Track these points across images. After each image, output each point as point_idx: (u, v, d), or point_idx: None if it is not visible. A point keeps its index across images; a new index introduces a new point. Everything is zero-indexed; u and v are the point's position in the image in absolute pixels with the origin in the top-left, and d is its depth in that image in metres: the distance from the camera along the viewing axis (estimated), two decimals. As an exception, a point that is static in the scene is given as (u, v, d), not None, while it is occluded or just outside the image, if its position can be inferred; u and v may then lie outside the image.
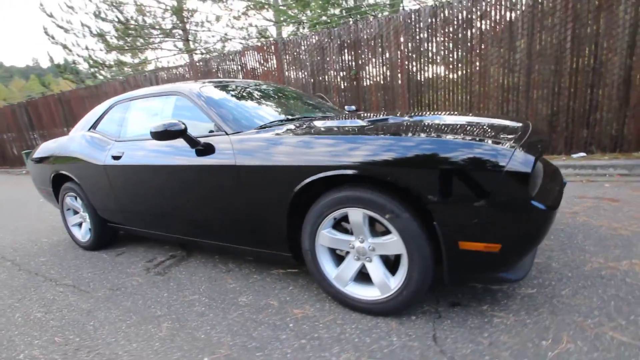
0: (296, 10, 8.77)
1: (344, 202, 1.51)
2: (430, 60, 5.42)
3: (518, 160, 1.20)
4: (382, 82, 5.89)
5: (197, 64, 8.15)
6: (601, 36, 4.31)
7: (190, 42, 12.22)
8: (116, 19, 11.01)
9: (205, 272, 2.30)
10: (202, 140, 1.93)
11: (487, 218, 1.25)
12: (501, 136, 1.38)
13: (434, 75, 5.46)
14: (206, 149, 1.90)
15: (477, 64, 5.10)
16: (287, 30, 11.19)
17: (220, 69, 7.80)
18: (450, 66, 5.28)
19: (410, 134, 1.40)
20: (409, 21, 5.41)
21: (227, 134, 1.88)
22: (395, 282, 1.50)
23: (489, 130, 1.48)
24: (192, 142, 1.92)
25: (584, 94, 4.54)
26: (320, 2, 7.80)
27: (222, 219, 1.96)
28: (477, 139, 1.31)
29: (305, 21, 8.58)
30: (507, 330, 1.41)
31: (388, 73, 5.81)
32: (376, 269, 1.56)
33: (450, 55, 5.22)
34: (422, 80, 5.55)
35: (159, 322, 1.77)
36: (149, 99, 2.41)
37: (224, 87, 2.30)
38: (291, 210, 1.67)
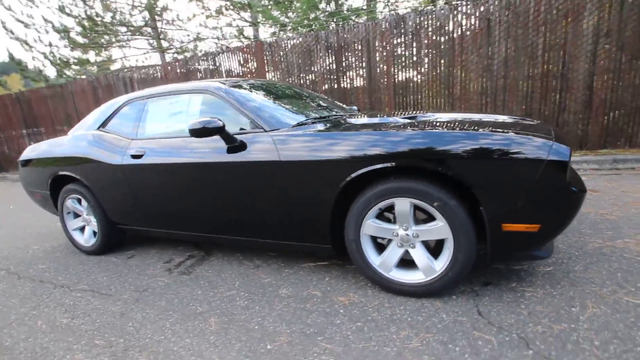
0: (278, 12, 8.80)
1: (392, 192, 1.63)
2: (414, 64, 5.70)
3: (558, 151, 1.38)
4: (367, 84, 6.10)
5: (175, 63, 7.92)
6: (568, 45, 4.80)
7: (163, 41, 11.79)
8: (81, 15, 10.39)
9: (233, 269, 2.32)
10: (238, 137, 1.96)
11: (529, 202, 1.43)
12: (536, 131, 1.56)
13: (418, 78, 5.75)
14: (241, 146, 1.94)
15: (458, 68, 5.45)
16: (266, 32, 11.17)
17: (200, 69, 7.65)
18: (433, 71, 5.59)
19: (457, 129, 1.55)
20: (394, 27, 5.66)
21: (265, 131, 1.93)
22: (440, 265, 1.64)
23: (521, 126, 1.67)
24: (229, 139, 1.94)
25: (553, 97, 5.02)
26: (304, 6, 7.89)
27: (260, 215, 2.00)
28: (521, 133, 1.48)
29: (288, 23, 8.63)
30: (540, 302, 1.60)
31: (374, 75, 6.02)
32: (420, 254, 1.69)
33: (433, 60, 5.54)
34: (407, 82, 5.82)
35: (204, 317, 1.78)
36: (170, 97, 2.38)
37: (248, 86, 2.33)
38: (336, 202, 1.76)
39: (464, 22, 5.22)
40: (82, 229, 2.97)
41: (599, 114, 4.79)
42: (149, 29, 12.36)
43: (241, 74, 7.27)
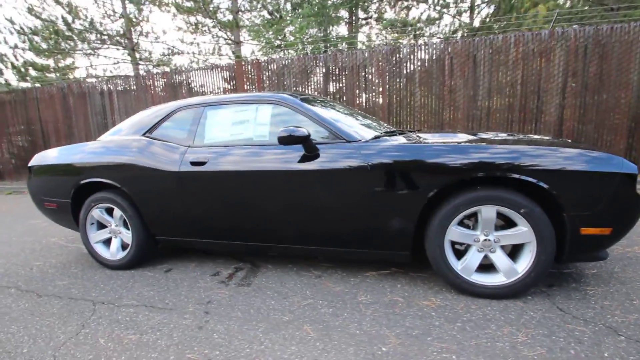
0: (271, 33, 9.01)
1: (480, 200, 1.79)
2: (408, 89, 6.14)
3: (629, 165, 1.65)
4: (364, 104, 6.42)
5: (157, 76, 7.68)
6: (542, 81, 5.52)
7: (137, 52, 11.37)
8: (49, 18, 9.73)
9: (294, 279, 2.30)
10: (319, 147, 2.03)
11: (604, 208, 1.67)
12: (596, 149, 1.83)
13: (411, 101, 6.19)
14: (316, 156, 2.01)
15: (448, 94, 5.98)
16: (250, 50, 11.23)
17: (186, 83, 7.48)
18: (426, 96, 6.07)
19: (539, 145, 1.77)
20: (390, 55, 6.10)
21: (348, 141, 2.03)
22: (521, 267, 1.81)
23: (580, 144, 1.94)
24: (311, 148, 2.00)
25: (530, 125, 5.68)
26: (299, 30, 8.18)
27: (336, 223, 2.05)
28: (595, 150, 1.74)
29: (281, 45, 8.86)
30: (604, 298, 1.83)
31: (371, 97, 6.37)
32: (501, 258, 1.85)
33: (426, 86, 6.02)
34: (401, 105, 6.23)
35: (295, 326, 1.76)
36: (233, 106, 2.38)
37: (313, 100, 2.42)
38: (422, 210, 1.88)
39: (455, 54, 5.79)
40: (106, 242, 2.74)
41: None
42: (120, 38, 11.88)
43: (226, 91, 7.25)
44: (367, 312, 1.85)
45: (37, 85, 10.52)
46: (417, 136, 2.15)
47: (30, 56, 11.37)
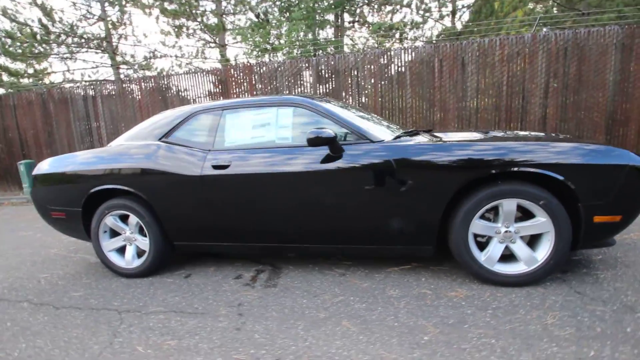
0: (258, 37, 8.99)
1: (502, 194, 1.90)
2: (399, 91, 6.31)
3: (636, 158, 1.81)
4: (358, 105, 6.54)
5: (146, 79, 7.52)
6: (526, 82, 5.81)
7: (120, 56, 11.06)
8: (24, 21, 9.33)
9: (319, 278, 2.34)
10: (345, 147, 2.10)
11: (615, 198, 1.82)
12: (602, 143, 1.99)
13: (402, 103, 6.36)
14: (339, 156, 2.07)
15: (438, 95, 6.18)
16: (235, 53, 11.13)
17: (174, 87, 7.37)
18: (416, 97, 6.25)
19: (558, 142, 1.90)
20: (381, 58, 6.26)
21: (372, 142, 2.10)
22: (541, 255, 1.94)
23: (587, 140, 2.09)
24: (337, 149, 2.07)
25: (516, 123, 5.96)
26: (287, 36, 8.21)
27: (365, 221, 2.11)
28: (603, 144, 1.89)
29: (268, 48, 8.86)
30: (615, 280, 1.98)
31: (363, 99, 6.50)
32: (522, 248, 1.97)
33: (416, 87, 6.21)
34: (392, 106, 6.39)
35: (334, 322, 1.81)
36: (252, 109, 2.40)
37: (330, 103, 2.48)
38: (448, 204, 1.98)
39: (445, 57, 6.00)
40: (119, 250, 2.69)
41: (551, 139, 5.81)
42: (100, 42, 11.53)
43: (212, 95, 7.19)
44: (399, 305, 1.92)
45: (11, 91, 10.03)
46: (435, 135, 2.25)
47: (1, 61, 10.84)
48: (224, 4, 10.55)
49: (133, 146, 2.55)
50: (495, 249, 2.00)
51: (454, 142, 1.99)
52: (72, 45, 11.10)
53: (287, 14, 8.51)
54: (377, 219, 2.10)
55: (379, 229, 2.13)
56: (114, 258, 2.66)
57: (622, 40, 5.32)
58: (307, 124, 2.27)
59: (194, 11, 9.04)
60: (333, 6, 8.59)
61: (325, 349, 1.60)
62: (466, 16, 8.27)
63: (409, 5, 10.25)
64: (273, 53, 8.90)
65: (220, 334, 1.79)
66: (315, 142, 1.98)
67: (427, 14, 9.51)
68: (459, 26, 8.94)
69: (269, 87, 6.89)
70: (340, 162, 2.08)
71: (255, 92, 6.96)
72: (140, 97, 7.53)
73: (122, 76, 11.64)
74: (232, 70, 7.06)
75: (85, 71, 12.53)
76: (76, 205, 2.65)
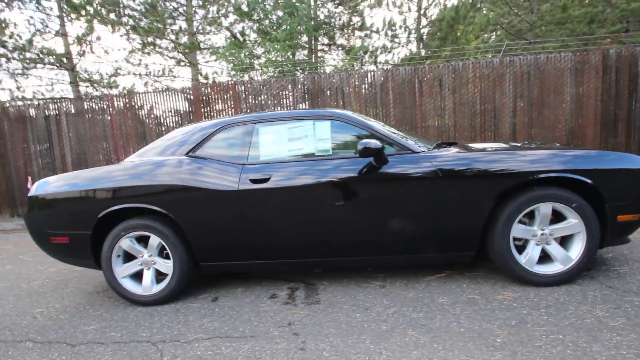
0: (235, 55, 8.93)
1: (540, 198, 2.05)
2: (383, 109, 6.59)
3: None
4: (343, 125, 6.69)
5: (118, 96, 7.13)
6: (497, 101, 6.37)
7: (85, 73, 10.38)
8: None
9: (358, 290, 2.31)
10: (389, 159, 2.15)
11: (635, 198, 2.04)
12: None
13: (387, 119, 6.63)
14: (379, 167, 2.13)
15: (419, 113, 6.55)
16: (206, 72, 10.95)
17: (147, 105, 7.06)
18: (399, 115, 6.56)
19: (580, 150, 2.11)
20: (366, 78, 6.53)
21: (415, 152, 2.17)
22: (574, 254, 2.09)
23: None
24: (383, 160, 2.11)
25: (490, 139, 6.46)
26: (272, 52, 8.28)
27: (411, 230, 2.15)
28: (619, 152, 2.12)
29: (249, 68, 8.80)
30: (633, 273, 2.20)
31: (349, 118, 6.67)
32: (556, 249, 2.12)
33: (398, 106, 6.53)
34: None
35: (399, 333, 1.79)
36: (286, 122, 2.37)
37: (360, 116, 2.53)
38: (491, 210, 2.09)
39: (424, 77, 6.41)
40: (135, 276, 2.45)
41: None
42: (58, 58, 10.76)
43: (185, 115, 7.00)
44: (455, 311, 1.95)
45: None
46: (465, 146, 2.39)
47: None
48: (196, 23, 10.44)
49: (155, 162, 2.39)
50: (534, 251, 2.13)
51: (494, 152, 2.13)
52: (26, 61, 10.24)
53: (269, 35, 8.65)
54: (423, 227, 2.15)
55: (425, 237, 2.17)
56: (129, 285, 2.42)
57: (575, 65, 6.08)
58: (345, 137, 2.30)
59: (167, 28, 8.81)
60: (312, 29, 8.88)
61: (406, 359, 1.57)
62: (435, 42, 8.99)
63: (378, 32, 10.92)
64: (253, 72, 8.89)
65: (284, 356, 1.69)
66: (364, 153, 2.02)
67: (396, 40, 10.19)
68: (424, 51, 9.66)
69: (254, 105, 6.85)
70: (387, 172, 2.12)
71: (240, 110, 6.86)
72: (111, 116, 7.08)
73: (84, 93, 10.91)
74: (211, 88, 6.93)
75: (40, 88, 11.54)
76: (84, 228, 2.39)
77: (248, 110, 6.93)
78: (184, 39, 10.13)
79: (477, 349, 1.60)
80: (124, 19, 8.64)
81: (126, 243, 2.38)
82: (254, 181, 2.22)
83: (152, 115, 7.10)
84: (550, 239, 2.12)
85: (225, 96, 6.89)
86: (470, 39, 9.18)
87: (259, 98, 6.80)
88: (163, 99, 7.10)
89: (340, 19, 10.07)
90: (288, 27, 8.28)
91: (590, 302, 1.90)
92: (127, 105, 7.14)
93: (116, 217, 2.43)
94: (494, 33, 9.97)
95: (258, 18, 9.06)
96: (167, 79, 12.29)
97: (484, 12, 9.25)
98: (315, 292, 2.38)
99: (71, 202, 2.42)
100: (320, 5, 9.65)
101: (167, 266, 2.38)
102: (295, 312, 2.13)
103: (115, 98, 7.12)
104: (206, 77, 10.44)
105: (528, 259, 2.12)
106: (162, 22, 8.56)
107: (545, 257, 2.17)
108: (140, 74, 12.49)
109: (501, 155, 2.10)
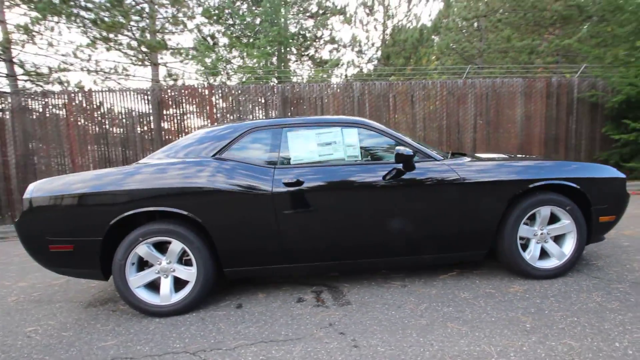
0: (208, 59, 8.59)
1: (541, 202, 2.36)
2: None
3: (621, 172, 2.49)
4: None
5: (80, 94, 6.53)
6: (460, 118, 7.01)
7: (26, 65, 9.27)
8: None
9: (382, 290, 2.42)
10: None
11: (612, 202, 2.45)
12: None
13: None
14: (403, 173, 2.31)
15: (392, 126, 6.94)
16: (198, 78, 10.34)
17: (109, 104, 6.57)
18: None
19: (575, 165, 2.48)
20: (345, 90, 6.79)
21: (437, 160, 2.38)
22: (567, 250, 2.43)
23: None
24: (412, 166, 2.28)
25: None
26: (254, 57, 8.12)
27: (434, 231, 2.33)
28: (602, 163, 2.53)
29: (229, 72, 8.50)
30: (608, 266, 2.60)
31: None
32: (553, 246, 2.45)
33: (374, 118, 6.88)
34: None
35: (439, 325, 1.93)
36: (315, 128, 2.43)
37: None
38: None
39: (397, 92, 6.84)
40: (150, 285, 2.30)
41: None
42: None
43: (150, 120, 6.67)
44: (480, 304, 2.15)
45: None
46: (475, 156, 2.66)
47: None
48: (161, 22, 9.95)
49: (180, 164, 2.29)
50: (535, 248, 2.44)
51: (505, 162, 2.42)
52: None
53: (241, 40, 8.53)
54: (449, 228, 2.34)
55: (448, 238, 2.36)
56: (144, 295, 2.25)
57: (524, 89, 6.97)
58: (372, 144, 2.44)
59: (132, 25, 8.24)
60: (287, 39, 8.98)
61: (457, 348, 1.71)
62: (400, 60, 9.68)
63: (345, 46, 11.40)
64: (222, 76, 8.66)
65: (340, 354, 1.73)
66: (399, 158, 2.16)
67: (362, 55, 10.78)
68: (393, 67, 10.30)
69: (233, 109, 6.71)
70: (416, 177, 2.28)
71: (216, 115, 6.67)
72: (70, 113, 6.43)
73: (21, 88, 9.73)
74: (185, 90, 6.67)
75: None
76: (94, 234, 2.20)
77: (227, 116, 6.77)
78: (147, 37, 9.59)
79: (513, 334, 1.80)
80: (84, 13, 7.94)
81: (143, 249, 2.23)
82: (287, 184, 2.24)
83: (116, 118, 6.59)
84: (547, 238, 2.45)
85: (198, 100, 6.66)
86: (431, 60, 10.06)
87: (235, 103, 6.68)
88: (129, 99, 6.65)
89: (310, 32, 10.33)
90: (269, 35, 8.30)
91: (586, 290, 2.23)
92: (85, 103, 6.55)
93: (127, 223, 2.28)
94: (449, 56, 11.00)
95: (232, 23, 8.92)
96: (121, 77, 11.50)
97: (443, 37, 10.21)
98: (341, 294, 2.44)
99: (78, 206, 2.21)
100: (292, 17, 9.82)
101: (188, 273, 2.27)
102: (330, 313, 2.17)
103: (75, 95, 6.49)
104: (175, 79, 9.93)
105: (531, 255, 2.42)
106: (127, 18, 8.02)
107: (543, 254, 2.49)
108: (88, 70, 11.53)
109: (511, 165, 2.39)
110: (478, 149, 7.05)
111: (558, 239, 2.51)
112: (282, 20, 8.67)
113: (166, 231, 2.22)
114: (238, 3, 9.61)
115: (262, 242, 2.28)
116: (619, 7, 6.78)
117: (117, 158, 6.58)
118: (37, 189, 2.24)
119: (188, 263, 2.32)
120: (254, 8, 8.68)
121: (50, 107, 6.50)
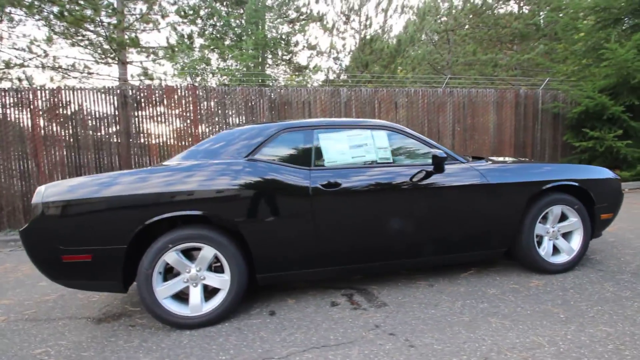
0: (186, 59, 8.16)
1: (554, 202, 2.56)
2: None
3: (615, 173, 2.76)
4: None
5: (45, 91, 5.97)
6: (440, 126, 7.36)
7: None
8: None
9: (413, 291, 2.46)
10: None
11: (610, 201, 2.71)
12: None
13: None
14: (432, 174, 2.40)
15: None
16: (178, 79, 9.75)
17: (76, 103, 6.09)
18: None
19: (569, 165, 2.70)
20: (332, 95, 6.86)
21: (463, 163, 2.48)
22: (575, 246, 2.64)
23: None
24: (442, 169, 2.36)
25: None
26: (239, 59, 7.83)
27: (463, 231, 2.42)
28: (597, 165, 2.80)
29: (208, 72, 8.12)
30: (606, 259, 2.85)
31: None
32: (563, 242, 2.65)
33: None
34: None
35: (482, 322, 2.00)
36: (346, 130, 2.43)
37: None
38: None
39: (382, 97, 7.03)
40: (174, 296, 2.15)
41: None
42: None
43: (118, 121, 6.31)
44: (510, 298, 2.26)
45: None
46: (490, 159, 2.82)
47: None
48: (130, 18, 9.41)
49: (212, 165, 2.17)
50: (549, 245, 2.62)
51: (521, 165, 2.58)
52: None
53: (219, 41, 8.29)
54: (475, 227, 2.44)
55: (474, 237, 2.47)
56: (173, 306, 2.10)
57: (497, 99, 7.49)
58: (400, 147, 2.49)
59: (101, 21, 7.64)
60: (272, 42, 8.89)
61: (508, 341, 1.79)
62: (379, 68, 10.01)
63: (321, 54, 11.54)
64: (198, 77, 8.34)
65: (399, 355, 1.73)
66: (435, 160, 2.24)
67: (338, 61, 10.99)
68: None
69: (218, 111, 6.48)
70: (448, 180, 2.37)
71: (200, 115, 6.40)
72: (32, 116, 5.83)
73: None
74: (166, 90, 6.35)
75: None
76: (118, 242, 2.02)
77: (213, 118, 6.53)
78: (115, 34, 9.02)
79: (553, 324, 1.91)
80: (46, 5, 7.26)
81: (172, 257, 2.08)
82: (325, 186, 2.22)
83: (86, 119, 6.10)
84: (558, 235, 2.65)
85: (182, 100, 6.37)
86: (408, 69, 10.53)
87: (221, 105, 6.48)
88: (102, 98, 6.19)
89: (289, 37, 10.33)
90: (252, 37, 8.14)
91: (597, 282, 2.44)
92: (54, 101, 6.00)
93: (152, 229, 2.12)
94: (421, 66, 11.57)
95: (213, 23, 8.66)
96: (83, 75, 10.73)
97: (417, 49, 10.75)
98: (372, 296, 2.45)
99: (101, 211, 2.01)
100: (271, 21, 9.75)
101: (221, 280, 2.15)
102: (370, 315, 2.16)
103: (39, 92, 5.91)
104: (151, 78, 9.37)
105: (546, 251, 2.60)
106: (97, 11, 7.47)
107: (553, 250, 2.68)
108: (44, 66, 10.59)
109: (528, 167, 2.57)
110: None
111: (565, 236, 2.72)
112: (266, 23, 8.60)
113: (198, 236, 2.09)
114: (217, 4, 9.37)
115: (299, 246, 2.23)
116: (575, 27, 7.55)
117: (89, 162, 6.08)
118: (51, 193, 2.01)
119: (218, 270, 2.20)
120: (233, 10, 8.51)
121: (7, 105, 5.85)
